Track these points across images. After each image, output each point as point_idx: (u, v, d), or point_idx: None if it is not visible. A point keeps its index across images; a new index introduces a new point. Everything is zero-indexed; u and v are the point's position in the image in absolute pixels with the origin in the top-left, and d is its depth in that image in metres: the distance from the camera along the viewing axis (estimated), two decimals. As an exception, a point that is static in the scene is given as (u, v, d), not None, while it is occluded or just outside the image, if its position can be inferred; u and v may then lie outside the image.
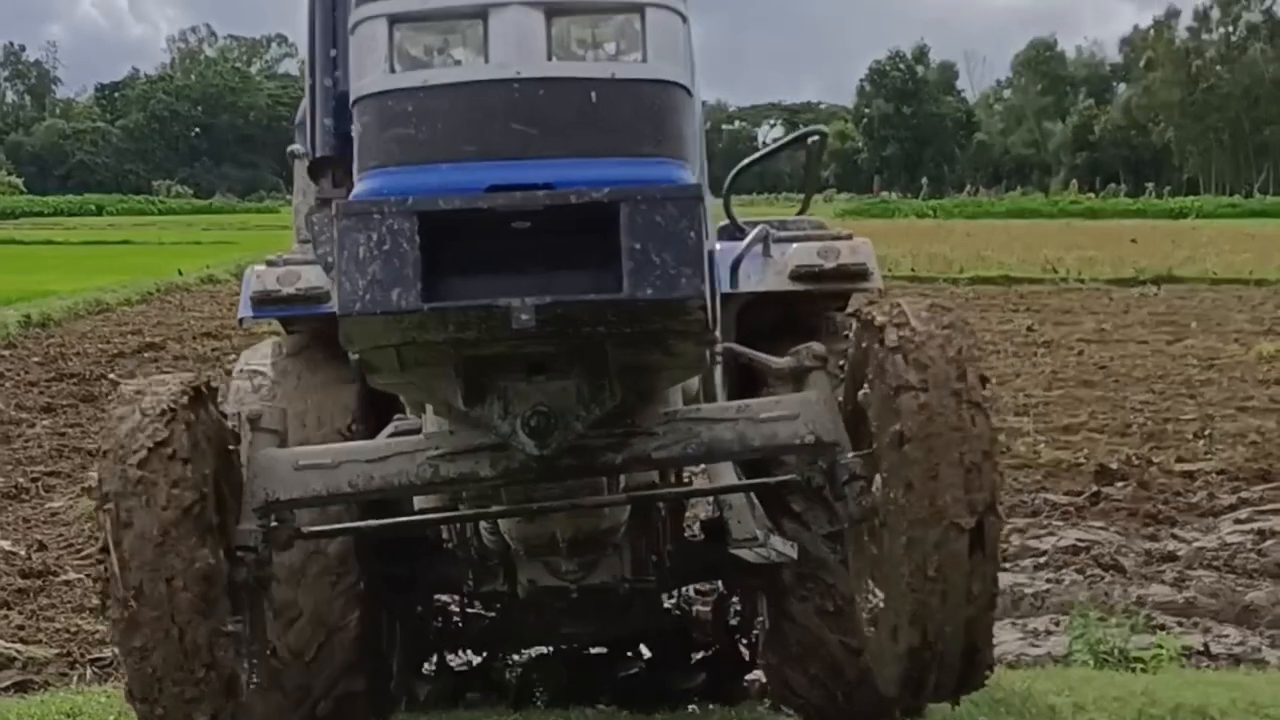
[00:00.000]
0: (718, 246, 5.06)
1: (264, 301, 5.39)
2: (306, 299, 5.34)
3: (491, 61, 3.63)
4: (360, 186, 3.69)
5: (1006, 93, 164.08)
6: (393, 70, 3.68)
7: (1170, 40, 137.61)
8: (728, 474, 5.27)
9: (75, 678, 7.44)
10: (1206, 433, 13.94)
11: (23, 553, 9.52)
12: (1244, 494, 11.59)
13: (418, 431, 4.59)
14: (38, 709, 6.46)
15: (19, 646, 7.75)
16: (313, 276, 5.27)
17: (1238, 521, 10.75)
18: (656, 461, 4.39)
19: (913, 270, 34.03)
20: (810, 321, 5.52)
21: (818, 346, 4.40)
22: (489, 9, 3.65)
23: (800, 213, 6.42)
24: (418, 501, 5.06)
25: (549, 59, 3.64)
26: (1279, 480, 12.12)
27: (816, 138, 5.94)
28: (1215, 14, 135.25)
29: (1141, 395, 16.44)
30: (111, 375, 17.47)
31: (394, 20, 3.70)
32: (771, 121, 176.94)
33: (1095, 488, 11.80)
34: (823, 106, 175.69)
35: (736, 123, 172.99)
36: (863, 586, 4.18)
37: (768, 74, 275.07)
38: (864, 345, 3.97)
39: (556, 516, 4.75)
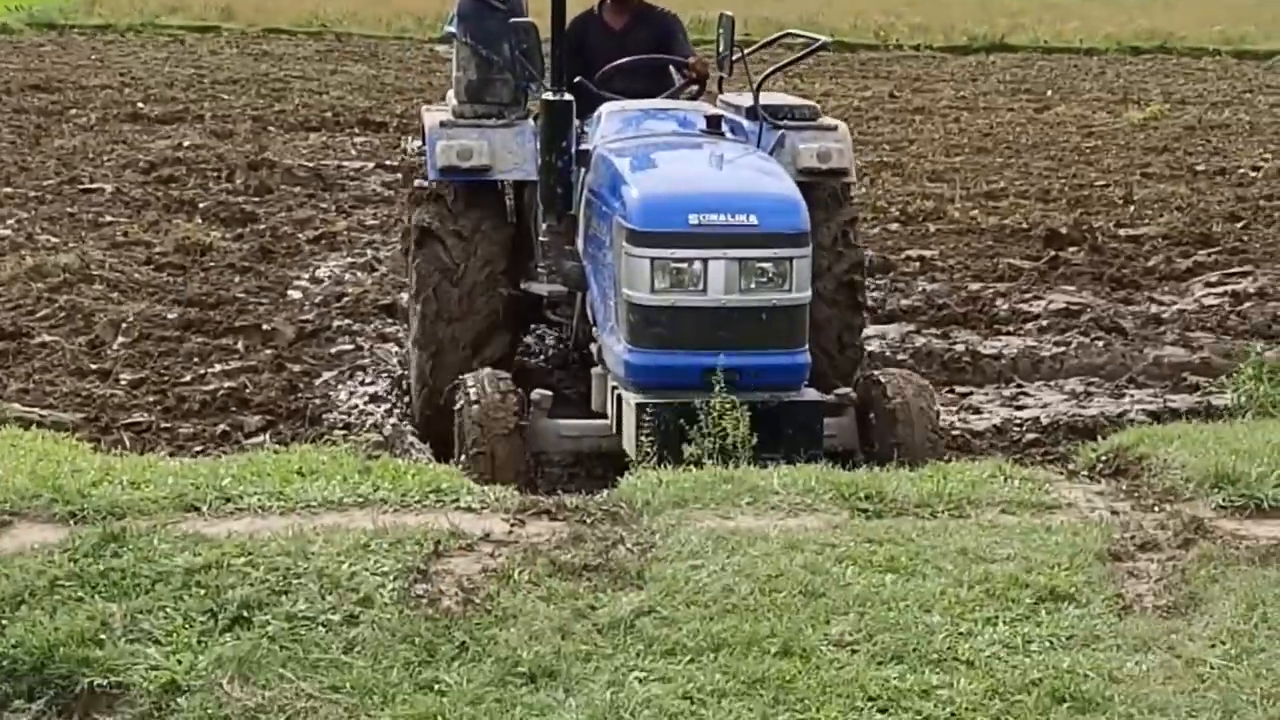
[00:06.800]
0: (746, 125, 7.82)
1: (447, 170, 7.70)
2: (476, 171, 7.72)
3: (709, 293, 6.59)
4: (630, 357, 6.67)
5: None
6: (653, 291, 6.61)
7: None
8: None
9: (110, 443, 6.84)
10: (1135, 198, 14.04)
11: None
12: (1196, 258, 11.69)
13: None
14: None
15: (39, 412, 7.11)
16: (483, 152, 7.69)
17: (1208, 285, 10.84)
18: None
19: (747, 34, 33.49)
20: (810, 194, 7.26)
21: (843, 390, 7.19)
22: (708, 260, 6.57)
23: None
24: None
25: (740, 292, 6.59)
26: (1220, 244, 12.26)
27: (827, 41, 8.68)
28: None
29: (1041, 162, 16.53)
30: None
31: (654, 261, 6.60)
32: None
33: (1052, 252, 11.78)
34: None
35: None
36: None
37: None
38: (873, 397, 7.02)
39: None
